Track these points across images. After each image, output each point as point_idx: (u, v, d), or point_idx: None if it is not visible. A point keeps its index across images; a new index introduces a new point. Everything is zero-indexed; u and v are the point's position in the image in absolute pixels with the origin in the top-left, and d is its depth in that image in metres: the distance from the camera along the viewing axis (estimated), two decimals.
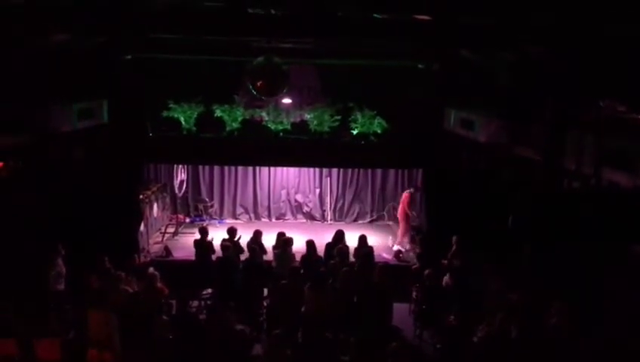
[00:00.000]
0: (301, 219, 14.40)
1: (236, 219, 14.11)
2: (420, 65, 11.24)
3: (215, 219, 13.95)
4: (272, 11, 7.29)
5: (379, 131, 11.16)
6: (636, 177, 6.08)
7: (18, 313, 7.31)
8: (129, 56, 10.39)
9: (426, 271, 8.98)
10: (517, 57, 8.45)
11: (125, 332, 7.14)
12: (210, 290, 9.60)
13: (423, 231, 11.99)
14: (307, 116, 11.28)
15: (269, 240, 10.31)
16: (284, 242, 9.88)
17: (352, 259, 9.46)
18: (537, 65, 8.09)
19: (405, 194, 12.15)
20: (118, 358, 6.82)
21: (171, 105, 11.02)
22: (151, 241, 12.07)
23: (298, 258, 9.83)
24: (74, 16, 7.22)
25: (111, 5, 7.06)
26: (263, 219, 14.27)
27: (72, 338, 7.29)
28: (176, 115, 11.02)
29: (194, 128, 11.02)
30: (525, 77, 8.52)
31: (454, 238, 9.80)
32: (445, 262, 9.65)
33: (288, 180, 14.41)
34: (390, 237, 12.69)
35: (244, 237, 10.11)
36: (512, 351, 6.74)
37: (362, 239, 10.02)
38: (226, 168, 14.11)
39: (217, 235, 10.80)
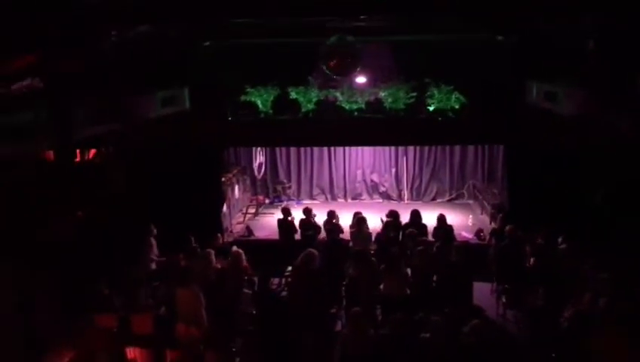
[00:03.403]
0: (377, 199, 14.35)
1: (313, 199, 14.30)
2: (498, 38, 10.79)
3: (293, 199, 14.20)
4: None
5: (457, 107, 10.84)
6: None
7: (116, 290, 7.83)
8: (207, 43, 10.69)
9: (507, 249, 8.72)
10: (604, 22, 7.90)
11: (212, 308, 7.47)
12: (291, 268, 9.83)
13: (504, 208, 11.61)
14: (382, 94, 11.14)
15: (345, 221, 10.39)
16: (359, 221, 9.95)
17: (431, 238, 9.38)
18: (629, 29, 7.54)
19: None
20: (205, 333, 7.13)
21: (248, 90, 11.26)
22: (233, 222, 12.49)
23: (374, 237, 9.88)
24: (155, 7, 7.52)
25: None
26: (339, 200, 14.37)
27: (163, 314, 7.72)
28: (253, 99, 11.25)
29: (270, 111, 11.21)
30: (615, 43, 7.97)
31: (536, 217, 9.44)
32: (527, 240, 9.30)
33: (364, 160, 14.39)
34: (470, 216, 12.41)
35: (320, 218, 10.28)
36: (600, 331, 6.43)
37: (441, 218, 9.89)
38: (302, 150, 14.30)
39: (295, 215, 11.01)
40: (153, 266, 9.18)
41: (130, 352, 6.67)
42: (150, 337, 7.12)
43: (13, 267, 6.43)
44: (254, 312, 7.94)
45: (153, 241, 9.34)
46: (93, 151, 9.50)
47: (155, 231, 9.40)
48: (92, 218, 8.90)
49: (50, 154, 8.13)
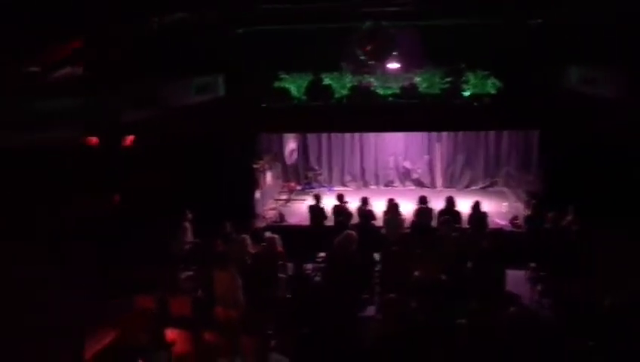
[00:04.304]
0: (410, 186, 14.28)
1: (345, 186, 14.31)
2: (536, 20, 10.54)
3: (324, 186, 14.25)
4: None
5: (493, 92, 10.68)
6: None
7: (154, 273, 8.02)
8: (241, 30, 10.73)
9: (546, 236, 8.60)
10: None
11: (248, 291, 7.58)
12: (323, 254, 9.89)
13: (539, 195, 11.42)
14: (417, 79, 11.04)
15: (377, 207, 10.39)
16: (392, 207, 9.94)
17: (465, 225, 9.32)
18: None
19: None
20: (242, 315, 7.24)
21: (282, 76, 11.29)
22: (266, 208, 12.61)
23: (407, 224, 9.86)
24: None
25: None
26: (371, 186, 14.36)
27: (201, 297, 7.87)
28: (286, 85, 11.28)
29: (304, 97, 11.21)
30: None
31: (570, 207, 9.27)
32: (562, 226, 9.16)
33: (396, 147, 14.32)
34: (504, 203, 12.25)
35: (352, 204, 10.30)
36: None
37: (476, 205, 9.81)
38: (334, 136, 14.30)
39: (327, 202, 11.06)
40: (187, 249, 9.35)
41: (169, 333, 6.81)
42: (188, 319, 7.27)
43: (58, 246, 6.64)
44: (289, 296, 8.01)
45: (188, 226, 9.51)
46: (130, 137, 9.67)
47: (190, 215, 9.56)
48: (129, 201, 9.09)
49: (92, 139, 8.32)
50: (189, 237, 9.48)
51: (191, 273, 8.63)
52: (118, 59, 8.24)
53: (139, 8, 7.34)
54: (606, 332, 6.52)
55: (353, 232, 8.19)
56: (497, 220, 11.16)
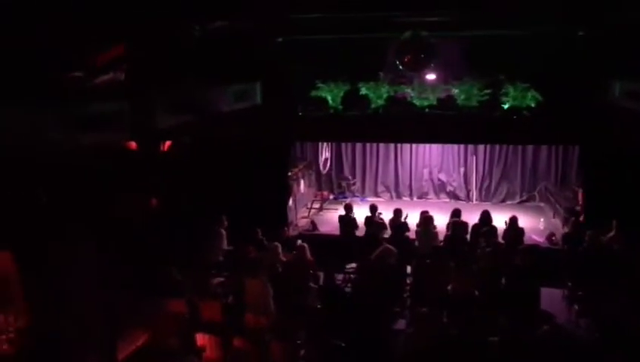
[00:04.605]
0: (444, 199, 14.11)
1: (378, 197, 14.23)
2: (578, 33, 10.31)
3: (357, 196, 14.20)
4: None
5: (533, 105, 10.46)
6: None
7: (186, 277, 8.11)
8: (279, 39, 10.83)
9: (585, 255, 8.35)
10: None
11: (279, 299, 7.59)
12: (354, 264, 9.83)
13: (578, 212, 11.10)
14: (454, 91, 10.92)
15: (410, 219, 10.29)
16: (426, 220, 9.82)
17: (500, 240, 9.12)
18: None
19: None
20: (272, 323, 7.25)
21: (319, 85, 11.33)
22: (298, 216, 12.63)
23: (441, 237, 9.73)
24: (229, 4, 7.69)
25: None
26: (404, 198, 14.23)
27: (232, 303, 7.91)
28: (323, 94, 11.31)
29: (340, 107, 11.22)
30: None
31: (614, 222, 8.99)
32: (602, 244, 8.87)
33: (431, 158, 14.17)
34: (541, 219, 11.96)
35: (385, 215, 10.23)
36: None
37: (512, 220, 9.60)
38: (368, 146, 14.25)
39: (359, 212, 11.03)
40: (221, 256, 9.43)
41: (200, 338, 6.87)
42: (219, 325, 7.32)
43: (96, 245, 6.78)
44: (319, 306, 7.99)
45: (223, 232, 9.60)
46: (168, 142, 9.85)
47: (226, 222, 9.65)
48: (165, 205, 9.24)
49: (131, 143, 8.49)
50: (224, 243, 9.55)
51: (222, 279, 8.69)
52: (158, 65, 8.40)
53: (181, 17, 7.49)
54: None
55: (392, 248, 8.13)
56: (534, 236, 10.92)
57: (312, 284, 8.34)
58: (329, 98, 11.30)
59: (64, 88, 6.71)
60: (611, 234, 8.99)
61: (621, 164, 9.97)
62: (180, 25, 7.87)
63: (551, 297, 8.55)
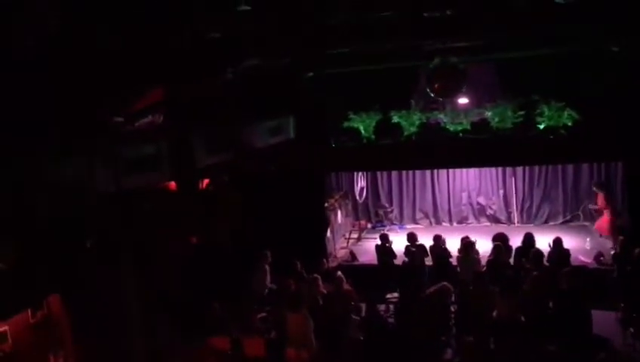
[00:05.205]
0: (485, 223, 13.88)
1: (416, 223, 14.12)
2: (613, 48, 10.14)
3: (395, 224, 14.11)
4: (448, 12, 7.17)
5: (569, 123, 10.28)
6: None
7: (230, 314, 8.18)
8: (311, 74, 11.03)
9: (635, 274, 8.06)
10: None
11: (320, 332, 7.56)
12: (396, 294, 9.73)
13: (626, 230, 10.75)
14: (488, 114, 10.83)
15: (451, 245, 10.16)
16: (466, 245, 9.68)
17: (546, 263, 8.90)
18: None
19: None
20: (314, 357, 7.21)
21: (351, 116, 11.42)
22: (337, 247, 12.62)
23: (483, 262, 9.55)
24: (263, 42, 7.91)
25: (292, 29, 7.57)
26: (443, 224, 14.07)
27: (274, 338, 7.91)
28: (355, 125, 11.38)
29: (373, 136, 11.28)
30: None
31: None
32: None
33: (469, 182, 14.01)
34: (587, 239, 11.61)
35: (426, 242, 10.13)
36: None
37: (557, 241, 9.38)
38: (404, 173, 14.20)
39: (398, 240, 10.93)
40: (266, 291, 9.47)
41: None
42: (262, 360, 7.33)
43: (141, 286, 6.94)
44: (362, 338, 7.91)
45: (267, 268, 9.66)
46: (206, 180, 10.06)
47: (269, 258, 9.72)
48: (208, 243, 9.39)
49: (170, 183, 8.72)
50: (268, 279, 9.61)
51: (264, 314, 8.72)
52: (194, 106, 8.65)
53: (215, 61, 7.74)
54: None
55: (450, 286, 8.08)
56: (581, 257, 10.59)
57: (353, 316, 8.29)
58: (361, 128, 11.36)
59: (107, 134, 6.97)
60: None
61: None
62: (215, 69, 8.11)
63: (604, 320, 8.24)
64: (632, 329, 8.04)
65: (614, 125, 9.94)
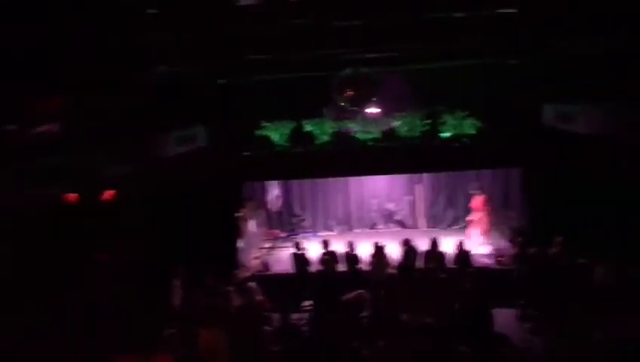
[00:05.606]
0: (394, 228, 14.25)
1: (329, 231, 14.21)
2: (511, 61, 10.84)
3: (309, 232, 14.13)
4: (356, 22, 7.33)
5: (472, 132, 10.84)
6: None
7: (138, 332, 7.78)
8: (223, 81, 10.83)
9: (532, 273, 8.59)
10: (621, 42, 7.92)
11: (234, 347, 7.37)
12: (310, 302, 9.72)
13: (524, 232, 11.45)
14: (396, 123, 11.17)
15: (363, 250, 10.34)
16: (378, 250, 9.92)
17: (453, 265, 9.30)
18: None
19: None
20: None
21: (264, 124, 11.35)
22: (250, 257, 12.42)
23: (394, 266, 9.80)
24: (172, 49, 7.67)
25: (204, 36, 7.42)
26: (355, 230, 14.26)
27: (185, 355, 7.61)
28: (268, 133, 11.33)
29: (286, 144, 11.25)
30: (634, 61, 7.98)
31: (557, 239, 9.33)
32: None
33: (379, 189, 14.33)
34: (489, 241, 12.23)
35: (340, 248, 10.26)
36: None
37: (460, 244, 9.81)
38: (317, 182, 14.29)
39: (312, 248, 10.97)
40: (177, 305, 9.11)
41: None
42: None
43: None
44: (277, 349, 7.81)
45: (178, 283, 9.29)
46: (110, 192, 9.56)
47: (181, 272, 9.36)
48: (116, 258, 8.92)
49: (70, 195, 8.19)
50: (179, 293, 9.23)
51: (173, 331, 8.38)
52: (100, 114, 8.22)
53: (121, 67, 7.40)
54: None
55: (366, 293, 8.14)
56: (484, 259, 11.13)
57: (266, 327, 8.15)
58: (274, 137, 11.32)
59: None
60: (554, 249, 9.30)
61: (559, 182, 10.40)
62: (120, 75, 7.75)
63: (505, 318, 8.67)
64: (528, 325, 8.54)
65: (514, 133, 10.62)
